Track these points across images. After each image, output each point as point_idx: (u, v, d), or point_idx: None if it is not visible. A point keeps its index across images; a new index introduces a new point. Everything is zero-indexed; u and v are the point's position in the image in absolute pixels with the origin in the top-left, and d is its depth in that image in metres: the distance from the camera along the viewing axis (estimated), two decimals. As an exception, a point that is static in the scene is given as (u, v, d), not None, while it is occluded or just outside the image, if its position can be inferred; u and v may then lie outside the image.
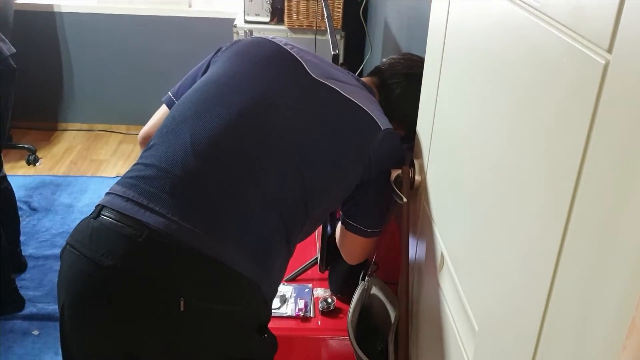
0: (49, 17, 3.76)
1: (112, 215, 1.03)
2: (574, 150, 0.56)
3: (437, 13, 1.11)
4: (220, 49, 1.29)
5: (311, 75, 1.20)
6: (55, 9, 3.73)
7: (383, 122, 1.20)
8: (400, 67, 1.36)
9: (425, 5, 1.53)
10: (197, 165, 1.06)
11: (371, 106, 1.21)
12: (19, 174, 3.43)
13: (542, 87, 0.65)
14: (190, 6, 3.73)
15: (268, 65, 1.21)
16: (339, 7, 3.18)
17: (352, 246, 1.33)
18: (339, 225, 1.34)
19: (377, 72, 1.38)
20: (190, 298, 0.99)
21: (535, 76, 0.67)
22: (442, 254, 1.04)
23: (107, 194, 1.08)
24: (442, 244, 1.05)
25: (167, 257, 1.00)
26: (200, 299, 1.00)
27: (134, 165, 1.11)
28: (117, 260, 0.99)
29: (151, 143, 1.14)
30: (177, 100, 1.24)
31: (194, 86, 1.21)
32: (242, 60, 1.22)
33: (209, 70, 1.25)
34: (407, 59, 1.39)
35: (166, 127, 1.14)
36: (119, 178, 1.12)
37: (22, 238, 2.79)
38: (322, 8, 2.39)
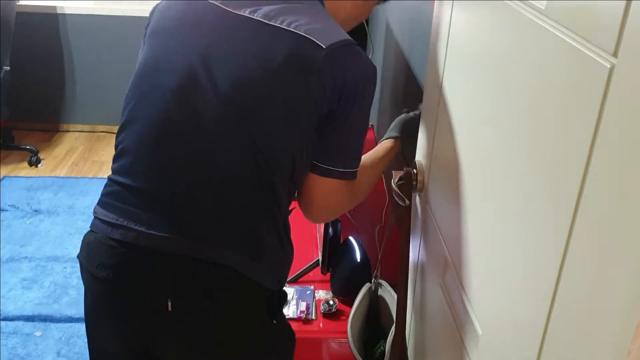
0: (51, 19, 3.76)
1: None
2: (579, 154, 0.56)
3: (440, 14, 1.11)
4: (146, 25, 1.19)
5: (230, 13, 1.06)
6: (58, 11, 3.74)
7: (325, 38, 1.02)
8: None
9: (427, 6, 1.53)
10: (146, 171, 1.06)
11: (308, 22, 1.04)
12: (20, 175, 3.44)
13: (547, 90, 0.65)
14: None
15: (184, 27, 1.10)
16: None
17: (325, 196, 1.12)
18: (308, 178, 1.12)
19: None
20: (175, 298, 1.02)
21: (541, 79, 0.66)
22: (445, 258, 1.04)
23: (93, 214, 1.12)
24: (445, 247, 1.04)
25: (147, 263, 1.04)
26: (184, 298, 1.02)
27: (107, 179, 1.13)
28: (108, 272, 1.06)
29: (116, 151, 1.13)
30: None
31: (131, 80, 1.14)
32: (161, 34, 1.12)
33: (141, 52, 1.16)
34: None
35: (120, 134, 1.13)
36: None
37: (23, 239, 2.80)
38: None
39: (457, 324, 0.98)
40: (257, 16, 1.05)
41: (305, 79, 1.02)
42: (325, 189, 1.11)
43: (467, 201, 0.94)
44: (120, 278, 1.05)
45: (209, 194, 1.04)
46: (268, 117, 1.03)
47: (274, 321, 1.10)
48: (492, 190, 0.82)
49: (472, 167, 0.91)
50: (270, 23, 1.04)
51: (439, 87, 1.09)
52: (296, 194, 1.14)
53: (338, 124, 1.06)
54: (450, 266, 1.01)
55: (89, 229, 1.12)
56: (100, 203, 1.11)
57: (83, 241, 1.13)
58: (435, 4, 1.14)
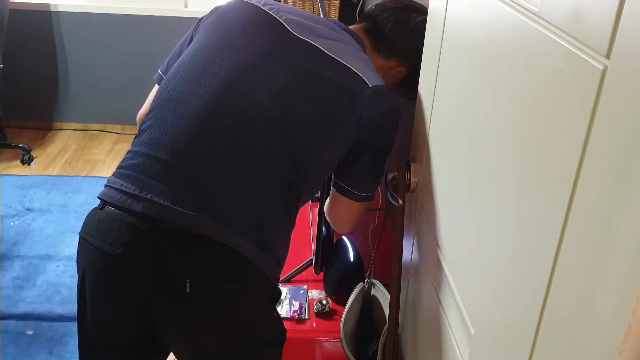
0: (44, 16, 3.74)
1: (113, 206, 1.06)
2: (572, 155, 0.56)
3: (434, 14, 1.11)
4: (201, 19, 1.27)
5: (293, 35, 1.17)
6: (52, 8, 3.72)
7: (372, 80, 1.15)
8: (388, 4, 1.35)
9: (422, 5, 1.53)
10: (182, 147, 1.07)
11: (358, 63, 1.17)
12: (13, 173, 3.42)
13: (540, 92, 0.65)
14: (186, 6, 3.72)
15: (247, 30, 1.18)
16: (335, 8, 3.18)
17: (342, 210, 1.28)
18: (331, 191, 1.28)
19: (365, 17, 1.35)
20: (194, 279, 1.03)
21: (533, 80, 0.67)
22: (438, 257, 1.04)
23: (105, 185, 1.11)
24: (438, 247, 1.05)
25: (168, 241, 1.04)
26: (203, 280, 1.04)
27: (126, 153, 1.13)
28: (125, 248, 1.04)
29: (141, 128, 1.15)
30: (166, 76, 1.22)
31: (176, 64, 1.19)
32: (220, 29, 1.20)
33: (192, 42, 1.23)
34: (395, 1, 1.37)
35: (153, 110, 1.15)
36: None
37: (16, 238, 2.78)
38: (319, 9, 2.39)
39: (450, 323, 0.98)
40: (316, 44, 1.16)
41: (351, 107, 1.13)
42: (346, 206, 1.26)
43: (459, 201, 0.94)
44: (138, 255, 1.04)
45: (240, 183, 1.08)
46: (310, 131, 1.13)
47: (275, 314, 1.17)
48: (484, 190, 0.82)
49: (464, 167, 0.92)
50: (328, 53, 1.16)
51: (433, 89, 1.09)
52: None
53: (366, 154, 1.19)
54: (442, 266, 1.02)
55: (98, 202, 1.09)
56: (119, 174, 1.09)
57: (91, 218, 1.10)
58: (429, 2, 1.15)
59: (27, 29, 3.72)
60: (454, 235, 0.97)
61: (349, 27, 1.29)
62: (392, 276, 1.21)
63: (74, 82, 3.90)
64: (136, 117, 1.29)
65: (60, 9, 3.72)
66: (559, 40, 0.60)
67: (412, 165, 1.20)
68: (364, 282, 1.43)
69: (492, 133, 0.79)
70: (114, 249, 1.04)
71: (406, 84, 1.28)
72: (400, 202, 1.17)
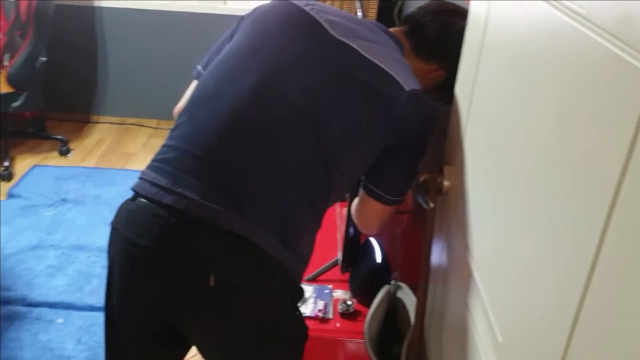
0: (87, 12, 3.82)
1: (145, 198, 1.08)
2: (614, 163, 0.54)
3: (475, 14, 1.09)
4: (243, 17, 1.28)
5: (331, 35, 1.16)
6: (95, 4, 3.80)
7: (408, 83, 1.13)
8: (431, 7, 1.33)
9: (463, 6, 1.50)
10: (214, 144, 1.09)
11: (395, 66, 1.15)
12: (50, 164, 3.50)
13: (585, 96, 0.62)
14: (225, 3, 3.75)
15: (285, 30, 1.18)
16: (374, 8, 3.16)
17: (369, 213, 1.26)
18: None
19: (406, 19, 1.33)
20: (219, 274, 1.04)
21: (579, 85, 0.64)
22: (467, 263, 1.02)
23: (139, 177, 1.13)
24: (468, 252, 1.02)
25: (195, 235, 1.05)
26: (228, 275, 1.05)
27: (161, 147, 1.15)
28: (153, 240, 1.06)
29: (177, 122, 1.16)
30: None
31: (215, 61, 1.20)
32: (259, 28, 1.20)
33: (232, 40, 1.24)
34: (438, 3, 1.35)
35: (189, 106, 1.17)
36: None
37: (51, 227, 2.84)
38: (356, 9, 2.37)
39: (476, 329, 0.96)
40: (353, 44, 1.14)
41: (386, 110, 1.12)
42: (374, 209, 1.23)
43: (492, 206, 0.92)
44: (165, 248, 1.06)
45: (269, 182, 1.09)
46: (342, 133, 1.12)
47: (297, 313, 1.18)
48: (519, 196, 0.80)
49: (499, 172, 0.89)
50: (365, 55, 1.14)
51: (470, 91, 1.07)
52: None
53: (400, 158, 1.17)
54: (472, 271, 0.99)
55: (132, 195, 1.11)
56: (152, 167, 1.12)
57: (123, 209, 1.13)
58: (470, 2, 1.12)
59: (71, 24, 3.81)
60: (485, 240, 0.95)
61: (389, 29, 1.28)
62: (420, 280, 1.19)
63: (112, 77, 3.98)
64: (172, 112, 1.30)
65: (103, 5, 3.80)
66: (607, 45, 0.57)
67: (445, 168, 1.18)
68: (390, 285, 1.41)
69: (531, 138, 0.77)
70: (143, 240, 1.06)
71: (445, 88, 1.25)
72: (432, 205, 1.15)
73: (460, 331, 1.05)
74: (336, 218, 1.97)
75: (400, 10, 3.28)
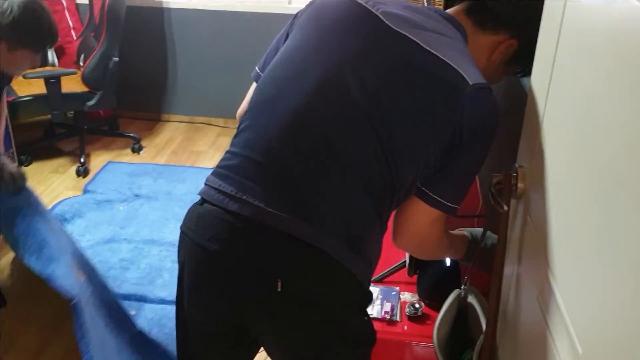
0: (157, 13, 3.94)
1: (212, 205, 1.10)
2: None
3: (550, 10, 1.04)
4: (297, 15, 1.24)
5: (390, 28, 1.11)
6: (165, 5, 3.91)
7: (472, 76, 1.07)
8: None
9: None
10: (276, 150, 1.09)
11: (458, 58, 1.09)
12: (124, 161, 3.63)
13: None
14: (290, 3, 3.78)
15: (342, 26, 1.15)
16: (440, 4, 3.11)
17: (416, 218, 1.14)
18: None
19: None
20: (286, 279, 1.05)
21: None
22: (544, 270, 0.98)
23: (205, 184, 1.15)
24: (545, 259, 0.98)
25: (262, 241, 1.06)
26: (295, 280, 1.06)
27: (225, 153, 1.16)
28: (221, 245, 1.08)
29: (239, 128, 1.17)
30: (263, 73, 1.22)
31: (273, 63, 1.19)
32: (315, 26, 1.17)
33: (288, 39, 1.21)
34: None
35: (250, 111, 1.17)
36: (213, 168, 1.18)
37: (124, 222, 2.95)
38: (424, 5, 2.33)
39: (554, 339, 0.92)
40: (414, 37, 1.09)
41: (449, 106, 1.07)
42: (426, 217, 1.14)
43: (573, 211, 0.88)
44: (234, 252, 1.08)
45: (332, 185, 1.08)
46: (404, 131, 1.08)
47: (365, 317, 1.17)
48: (604, 201, 0.76)
49: (581, 174, 0.85)
50: (426, 47, 1.09)
51: (547, 88, 1.03)
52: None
53: (460, 158, 1.11)
54: (549, 279, 0.95)
55: (199, 200, 1.14)
56: (217, 174, 1.13)
57: (192, 213, 1.15)
58: (545, 3, 1.08)
59: (141, 25, 3.94)
60: (565, 247, 0.91)
61: (448, 11, 1.21)
62: (492, 286, 1.16)
63: (182, 77, 4.08)
64: (236, 114, 1.31)
65: (172, 6, 3.90)
66: None
67: (519, 169, 1.14)
68: (460, 289, 1.38)
69: (619, 138, 0.73)
70: (212, 245, 1.09)
71: (519, 58, 1.18)
72: (505, 208, 1.11)
73: (535, 340, 1.01)
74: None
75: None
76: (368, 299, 1.18)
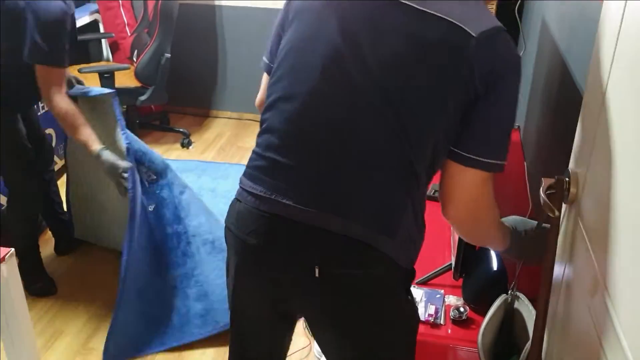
0: (208, 11, 4.00)
1: (247, 204, 1.17)
2: None
3: (609, 12, 1.01)
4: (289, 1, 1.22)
5: None
6: (216, 3, 3.97)
7: (475, 25, 1.02)
8: None
9: (593, 4, 1.41)
10: (294, 148, 1.13)
11: (456, 10, 1.04)
12: (172, 157, 3.70)
13: None
14: (339, 1, 3.77)
15: (329, 10, 1.12)
16: (493, 4, 3.05)
17: (467, 188, 1.09)
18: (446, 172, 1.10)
19: None
20: (322, 266, 1.09)
21: None
22: (596, 277, 0.95)
23: (239, 184, 1.21)
24: (597, 267, 0.95)
25: (296, 234, 1.11)
26: (332, 266, 1.10)
27: (252, 153, 1.21)
28: (260, 239, 1.15)
29: (261, 128, 1.21)
30: (271, 63, 1.24)
31: (279, 57, 1.19)
32: (309, 13, 1.15)
33: (290, 29, 1.18)
34: None
35: (266, 111, 1.19)
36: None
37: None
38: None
39: (605, 352, 0.89)
40: (408, 1, 1.06)
41: (455, 65, 1.03)
42: (468, 181, 1.08)
43: (628, 219, 0.85)
44: (272, 245, 1.14)
45: (352, 173, 1.09)
46: (414, 98, 1.06)
47: (409, 297, 1.19)
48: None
49: (638, 181, 0.82)
50: (422, 9, 1.05)
51: (603, 92, 1.00)
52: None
53: (484, 111, 1.05)
54: (601, 287, 0.93)
55: (235, 197, 1.21)
56: (247, 175, 1.19)
57: (232, 209, 1.21)
58: (603, 3, 1.05)
59: (193, 22, 4.01)
60: (618, 255, 0.88)
61: None
62: (540, 293, 1.13)
63: (231, 73, 4.14)
64: (255, 105, 1.36)
65: (223, 4, 3.96)
66: None
67: (572, 174, 1.11)
68: (507, 294, 1.36)
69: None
70: (251, 239, 1.16)
71: None
72: (557, 213, 1.08)
73: (585, 350, 0.98)
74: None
75: (521, 7, 3.13)
76: (411, 277, 1.18)
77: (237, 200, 1.20)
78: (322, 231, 1.09)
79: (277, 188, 1.12)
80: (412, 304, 1.21)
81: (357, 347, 1.19)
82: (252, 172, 1.18)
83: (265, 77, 1.31)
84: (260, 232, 1.14)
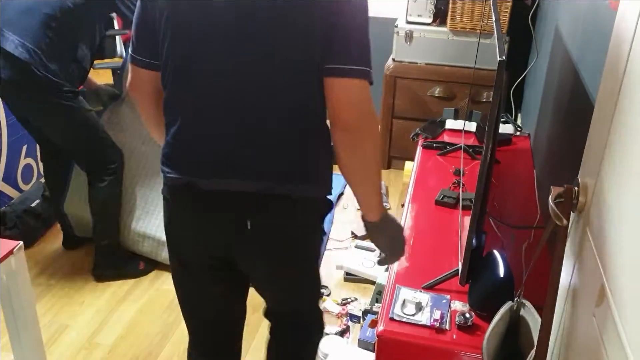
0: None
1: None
2: None
3: (623, 20, 1.01)
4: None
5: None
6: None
7: None
8: None
9: (607, 14, 1.41)
10: (199, 125, 1.28)
11: None
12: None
13: None
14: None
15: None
16: (506, 11, 3.04)
17: (340, 95, 1.20)
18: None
19: None
20: (252, 219, 1.29)
21: None
22: (602, 286, 0.95)
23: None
24: (603, 276, 0.95)
25: (224, 199, 1.29)
26: (259, 219, 1.30)
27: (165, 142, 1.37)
28: (199, 203, 1.33)
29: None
30: (138, 55, 1.32)
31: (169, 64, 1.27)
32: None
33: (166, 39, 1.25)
34: None
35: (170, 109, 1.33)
36: None
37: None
38: (489, 11, 2.29)
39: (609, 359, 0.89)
40: None
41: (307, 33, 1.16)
42: (344, 90, 1.20)
43: (636, 229, 0.85)
44: (209, 208, 1.32)
45: (248, 137, 1.24)
46: (279, 37, 1.17)
47: (322, 226, 1.45)
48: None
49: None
50: None
51: (614, 102, 0.99)
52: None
53: (339, 24, 1.16)
54: (607, 296, 0.92)
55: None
56: (164, 163, 1.34)
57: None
58: (619, 7, 1.04)
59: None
60: (626, 266, 0.88)
61: None
62: (546, 301, 1.13)
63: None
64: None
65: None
66: None
67: (582, 183, 1.11)
68: (513, 301, 1.35)
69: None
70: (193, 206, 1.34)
71: None
72: (565, 222, 1.08)
73: (589, 358, 0.98)
74: (457, 227, 1.92)
75: (535, 13, 3.13)
76: (326, 211, 1.39)
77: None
78: (246, 194, 1.27)
79: (190, 168, 1.30)
80: (322, 231, 1.50)
81: (288, 278, 1.45)
82: (166, 159, 1.34)
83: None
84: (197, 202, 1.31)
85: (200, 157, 1.28)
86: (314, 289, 1.58)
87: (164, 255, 2.57)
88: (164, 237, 2.33)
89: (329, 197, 1.38)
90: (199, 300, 1.52)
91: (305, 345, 1.68)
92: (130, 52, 1.34)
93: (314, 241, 1.45)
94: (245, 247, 1.34)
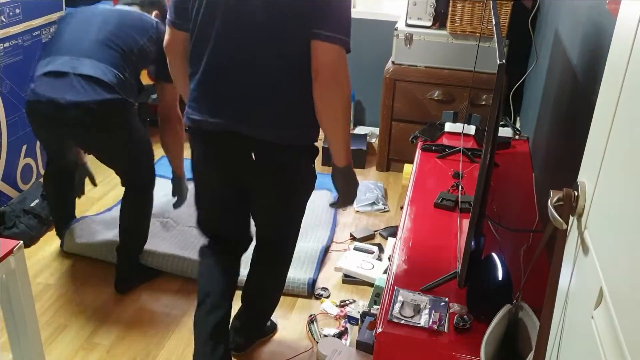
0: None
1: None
2: None
3: (622, 26, 1.01)
4: None
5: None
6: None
7: None
8: None
9: (607, 17, 1.42)
10: (214, 84, 1.69)
11: None
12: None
13: None
14: (354, 7, 3.79)
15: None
16: (506, 14, 3.05)
17: (323, 55, 1.53)
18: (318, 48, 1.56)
19: None
20: (255, 153, 1.70)
21: None
22: (601, 289, 0.95)
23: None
24: (602, 279, 0.96)
25: (231, 139, 1.71)
26: (260, 154, 1.70)
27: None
28: (212, 143, 1.79)
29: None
30: (175, 19, 1.74)
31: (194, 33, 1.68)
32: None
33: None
34: None
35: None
36: None
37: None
38: (489, 15, 2.30)
39: (608, 364, 0.89)
40: None
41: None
42: (324, 50, 1.54)
43: (636, 233, 0.85)
44: (220, 144, 1.75)
45: (253, 92, 1.63)
46: (280, 7, 1.53)
47: (314, 165, 1.81)
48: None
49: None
50: None
51: (614, 106, 1.00)
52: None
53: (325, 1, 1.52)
54: (606, 299, 0.93)
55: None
56: (189, 106, 1.76)
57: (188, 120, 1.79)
58: (619, 11, 1.05)
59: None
60: (625, 270, 0.88)
61: None
62: (545, 304, 1.14)
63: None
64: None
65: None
66: None
67: (581, 186, 1.11)
68: (511, 304, 1.36)
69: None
70: (207, 143, 1.80)
71: None
72: (564, 225, 1.09)
73: (588, 362, 0.98)
74: (456, 230, 1.93)
75: (535, 17, 3.14)
76: (315, 153, 1.77)
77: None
78: (242, 135, 1.66)
79: (208, 110, 1.71)
80: (314, 170, 1.81)
81: (283, 203, 1.84)
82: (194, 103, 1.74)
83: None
84: (210, 138, 1.73)
85: (215, 101, 1.65)
86: (299, 219, 1.93)
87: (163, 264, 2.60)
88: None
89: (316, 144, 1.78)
90: (220, 206, 1.91)
91: (282, 265, 2.06)
92: (168, 17, 1.73)
93: (308, 178, 1.81)
94: (250, 177, 1.75)
